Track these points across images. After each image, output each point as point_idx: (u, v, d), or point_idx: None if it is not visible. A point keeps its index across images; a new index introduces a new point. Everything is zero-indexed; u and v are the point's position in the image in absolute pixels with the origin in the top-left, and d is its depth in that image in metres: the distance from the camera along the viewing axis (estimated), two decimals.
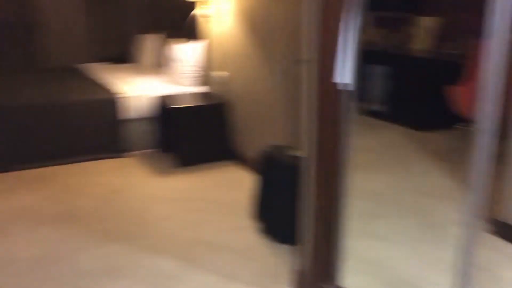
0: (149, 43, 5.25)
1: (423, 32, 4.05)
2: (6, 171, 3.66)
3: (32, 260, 2.48)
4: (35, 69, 6.02)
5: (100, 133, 4.00)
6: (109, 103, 3.98)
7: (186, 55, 4.36)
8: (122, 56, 6.17)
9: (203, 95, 4.20)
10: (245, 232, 2.82)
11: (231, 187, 3.48)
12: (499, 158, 2.07)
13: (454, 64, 3.28)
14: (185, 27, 4.38)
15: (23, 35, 6.27)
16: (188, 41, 4.52)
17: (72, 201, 3.20)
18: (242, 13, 3.65)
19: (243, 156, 3.87)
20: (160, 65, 5.30)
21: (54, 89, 4.20)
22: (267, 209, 2.75)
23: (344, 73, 1.80)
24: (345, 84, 1.82)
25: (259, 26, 3.47)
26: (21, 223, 2.89)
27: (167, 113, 3.98)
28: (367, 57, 1.90)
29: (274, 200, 2.69)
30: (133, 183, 3.52)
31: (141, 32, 5.94)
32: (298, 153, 2.56)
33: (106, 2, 7.17)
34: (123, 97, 4.05)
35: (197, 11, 4.11)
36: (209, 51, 4.23)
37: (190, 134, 3.84)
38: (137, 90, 4.17)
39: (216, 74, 4.13)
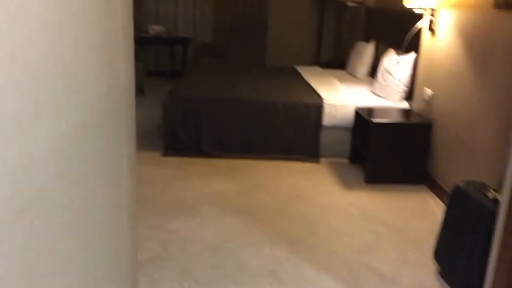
0: (366, 51, 5.18)
1: None
2: (210, 156, 4.05)
3: (207, 244, 2.69)
4: (261, 67, 6.49)
5: (301, 135, 4.12)
6: (315, 108, 4.06)
7: (397, 68, 4.16)
8: (340, 61, 6.25)
9: (406, 111, 3.96)
10: (421, 269, 2.56)
11: (417, 215, 3.20)
12: None
13: None
14: (405, 39, 4.17)
15: (256, 35, 6.84)
16: (403, 53, 4.31)
17: (259, 196, 3.37)
18: (459, 28, 3.30)
19: (439, 183, 3.52)
20: (372, 75, 5.20)
21: (270, 88, 4.46)
22: (450, 250, 2.44)
23: None
24: None
25: (477, 44, 3.08)
26: (211, 207, 3.16)
27: (364, 125, 3.87)
28: None
29: (459, 242, 2.36)
30: (318, 190, 3.52)
31: (362, 39, 5.91)
32: (498, 196, 2.20)
33: (333, 8, 7.34)
34: (329, 104, 4.08)
35: (422, 23, 3.86)
36: (419, 65, 3.95)
37: (384, 150, 3.65)
38: (343, 98, 4.16)
39: (422, 91, 3.84)
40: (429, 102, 3.74)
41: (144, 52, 7.18)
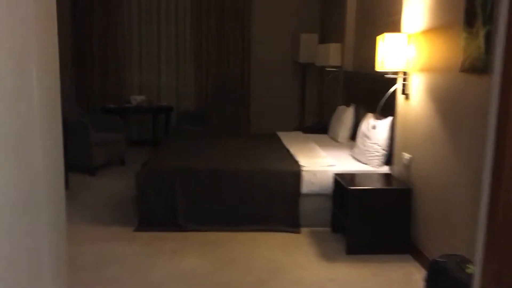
0: (346, 114, 5.14)
1: None
2: (183, 230, 3.86)
3: None
4: (243, 134, 6.43)
5: (279, 204, 3.96)
6: (292, 175, 3.94)
7: (374, 132, 4.09)
8: (324, 125, 6.20)
9: (386, 176, 3.84)
10: None
11: None
12: None
13: None
14: (380, 103, 4.13)
15: (238, 102, 6.83)
16: (381, 117, 4.25)
17: (233, 273, 3.16)
18: (430, 91, 3.25)
19: (423, 252, 3.33)
20: (354, 139, 5.13)
21: (247, 156, 4.35)
22: None
23: None
24: None
25: (448, 107, 3.01)
26: None
27: (343, 192, 3.73)
28: None
29: None
30: (296, 264, 3.32)
31: (342, 103, 5.91)
32: (471, 270, 2.03)
33: (314, 73, 7.42)
34: (307, 170, 3.96)
35: (395, 87, 3.83)
36: (396, 129, 3.88)
37: (364, 219, 3.49)
38: (322, 163, 4.05)
39: (400, 155, 3.74)
40: (407, 166, 3.63)
41: (127, 122, 7.15)
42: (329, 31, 6.79)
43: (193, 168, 3.95)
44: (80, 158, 5.53)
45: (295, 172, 3.96)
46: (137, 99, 6.77)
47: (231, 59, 7.23)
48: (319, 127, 6.29)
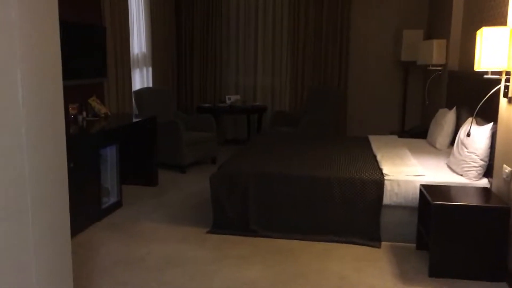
0: (446, 118, 4.64)
1: None
2: (254, 235, 3.74)
3: None
4: (334, 137, 6.17)
5: (358, 215, 3.67)
6: (373, 184, 3.62)
7: (471, 140, 3.60)
8: (426, 130, 5.71)
9: (482, 192, 3.35)
10: None
11: None
12: None
13: None
14: (479, 107, 3.63)
15: (334, 104, 6.56)
16: (479, 123, 3.75)
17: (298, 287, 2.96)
18: None
19: None
20: (450, 146, 4.62)
21: (328, 161, 4.10)
22: None
23: None
24: None
25: None
26: None
27: (427, 207, 3.33)
28: None
29: None
30: (370, 284, 3.02)
31: (444, 106, 5.36)
32: None
33: (418, 72, 6.87)
34: (390, 179, 3.62)
35: (498, 89, 3.33)
36: (497, 137, 3.37)
37: (451, 238, 3.07)
38: (408, 172, 3.67)
39: (501, 167, 3.23)
40: (507, 181, 3.13)
41: (221, 121, 7.24)
42: (435, 26, 6.21)
43: (267, 173, 3.81)
44: (172, 156, 5.69)
45: (376, 181, 3.63)
46: (232, 98, 6.81)
47: (328, 59, 6.96)
48: (419, 131, 5.78)
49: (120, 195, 4.37)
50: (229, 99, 6.82)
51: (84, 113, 4.54)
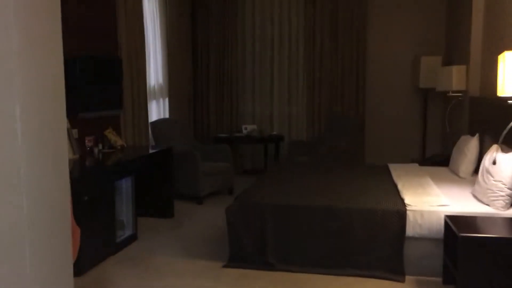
0: (469, 145, 4.50)
1: None
2: (270, 269, 3.61)
3: None
4: (353, 165, 6.06)
5: (380, 247, 3.52)
6: (394, 215, 3.49)
7: (496, 167, 3.46)
8: (447, 157, 5.56)
9: (510, 222, 3.19)
10: None
11: None
12: None
13: None
14: (504, 132, 3.50)
15: (352, 131, 6.47)
16: (504, 149, 3.61)
17: None
18: None
19: None
20: (477, 173, 4.46)
21: (348, 191, 3.99)
22: None
23: None
24: None
25: None
26: None
27: (454, 238, 3.18)
28: None
29: None
30: None
31: (466, 132, 5.22)
32: None
33: (438, 99, 6.76)
34: (412, 210, 3.49)
35: None
36: None
37: (480, 273, 2.90)
38: (432, 202, 3.53)
39: None
40: None
41: (238, 151, 7.18)
42: (454, 52, 6.13)
43: (285, 204, 3.71)
44: (189, 187, 5.63)
45: (398, 212, 3.49)
46: (248, 128, 6.77)
47: (345, 86, 6.90)
48: (440, 159, 5.64)
49: (136, 228, 4.30)
50: (246, 128, 6.78)
51: (100, 145, 4.53)
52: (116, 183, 4.10)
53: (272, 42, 7.19)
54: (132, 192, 4.25)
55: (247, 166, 7.41)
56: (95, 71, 4.46)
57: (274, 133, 7.02)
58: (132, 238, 4.25)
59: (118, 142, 4.69)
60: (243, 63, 7.28)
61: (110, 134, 4.66)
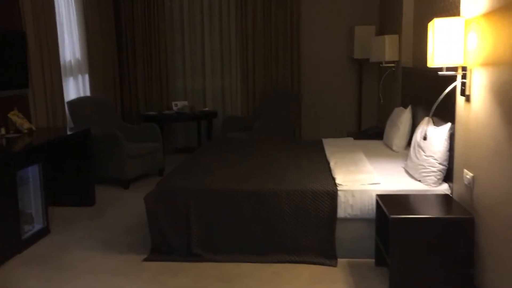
0: (402, 118, 4.36)
1: None
2: (196, 260, 3.34)
3: None
4: (289, 141, 5.85)
5: (311, 231, 3.32)
6: (325, 196, 3.28)
7: (428, 142, 3.31)
8: (379, 130, 5.45)
9: (442, 200, 3.06)
10: None
11: None
12: None
13: None
14: (434, 106, 3.34)
15: (288, 106, 6.23)
16: (435, 123, 3.47)
17: None
18: (497, 92, 2.45)
19: None
20: (407, 147, 4.35)
21: (277, 172, 3.74)
22: None
23: None
24: None
25: None
26: None
27: (385, 220, 3.02)
28: None
29: None
30: None
31: (399, 104, 5.10)
32: None
33: (373, 70, 6.64)
34: (343, 190, 3.29)
35: (454, 86, 3.04)
36: (456, 139, 3.09)
37: (411, 254, 2.76)
38: (363, 180, 3.34)
39: (461, 172, 2.95)
40: (469, 188, 2.84)
41: (169, 129, 6.79)
42: (387, 22, 5.98)
43: (210, 189, 3.41)
44: (113, 171, 5.22)
45: (329, 192, 3.29)
46: (178, 105, 6.39)
47: (279, 59, 6.62)
48: (375, 131, 5.53)
49: (47, 221, 3.88)
50: (176, 105, 6.39)
51: (3, 130, 4.02)
52: (20, 172, 3.65)
53: (201, 12, 6.76)
54: (41, 181, 3.82)
55: (180, 144, 7.04)
56: None
57: (207, 109, 6.67)
58: (43, 232, 3.83)
59: (25, 125, 4.20)
60: (172, 36, 6.82)
61: (15, 117, 4.15)
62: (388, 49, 5.14)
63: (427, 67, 4.02)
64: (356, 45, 6.12)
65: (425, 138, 3.13)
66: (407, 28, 4.93)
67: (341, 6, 6.58)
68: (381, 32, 6.26)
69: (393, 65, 5.38)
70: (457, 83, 2.99)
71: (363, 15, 6.53)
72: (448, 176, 3.25)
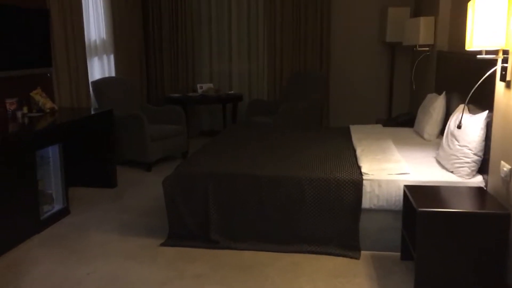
0: (435, 105, 4.13)
1: None
2: (215, 247, 3.24)
3: None
4: (315, 127, 5.70)
5: (334, 221, 3.17)
6: (350, 185, 3.11)
7: (462, 131, 3.10)
8: (410, 117, 5.21)
9: (475, 192, 2.85)
10: None
11: None
12: None
13: None
14: (471, 92, 3.12)
15: (316, 91, 6.04)
16: (472, 111, 3.25)
17: None
18: None
19: None
20: (439, 136, 4.12)
21: (301, 158, 3.59)
22: None
23: None
24: None
25: None
26: None
27: (412, 212, 2.85)
28: None
29: None
30: None
31: (433, 90, 4.85)
32: None
33: (405, 54, 6.35)
34: (369, 179, 3.12)
35: (493, 71, 2.81)
36: (493, 128, 2.87)
37: (439, 248, 2.58)
38: (391, 170, 3.17)
39: (497, 164, 2.74)
40: (506, 181, 2.64)
41: (194, 112, 6.69)
42: (423, 2, 5.68)
43: (229, 173, 3.30)
44: (136, 153, 5.17)
45: (354, 182, 3.13)
46: (204, 87, 6.28)
47: (308, 42, 6.41)
48: (406, 119, 5.27)
49: (67, 201, 3.85)
50: (201, 88, 6.29)
51: (25, 109, 4.00)
52: (41, 152, 3.61)
53: None
54: (61, 161, 3.78)
55: (205, 127, 6.96)
56: (14, 23, 3.87)
57: (232, 92, 6.54)
58: (63, 213, 3.81)
59: (48, 104, 4.16)
60: (199, 17, 6.68)
61: (38, 96, 4.12)
62: (423, 32, 4.87)
63: (464, 50, 3.77)
64: (389, 28, 5.85)
65: (459, 127, 2.92)
66: (445, 9, 4.65)
67: None
68: (416, 14, 5.97)
69: (427, 48, 5.11)
70: (497, 68, 2.76)
71: None
72: (482, 167, 3.04)
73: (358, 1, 6.36)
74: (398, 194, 3.08)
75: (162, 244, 3.32)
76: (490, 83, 2.92)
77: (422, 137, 4.23)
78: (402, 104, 6.46)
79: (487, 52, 2.73)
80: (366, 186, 3.12)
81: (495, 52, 2.76)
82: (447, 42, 4.71)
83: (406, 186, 2.94)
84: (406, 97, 6.46)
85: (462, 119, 3.13)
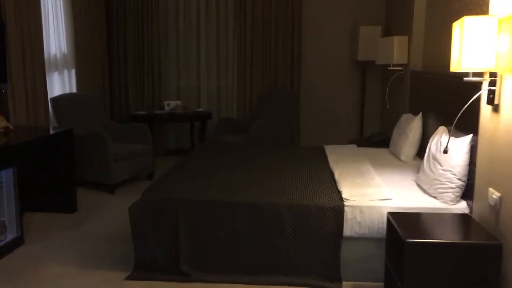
0: (411, 126, 4.04)
1: None
2: (184, 280, 2.99)
3: None
4: (287, 146, 5.54)
5: (314, 250, 2.98)
6: (331, 211, 2.94)
7: (449, 155, 2.99)
8: (386, 137, 5.11)
9: (462, 220, 2.72)
10: None
11: None
12: None
13: None
14: (457, 117, 3.01)
15: (286, 108, 5.90)
16: (455, 134, 3.15)
17: None
18: None
19: None
20: (421, 157, 4.02)
21: (276, 182, 3.40)
22: None
23: None
24: None
25: None
26: None
27: (398, 241, 2.69)
28: None
29: None
30: None
31: (408, 111, 4.78)
32: None
33: (377, 73, 6.31)
34: (351, 206, 2.96)
35: (482, 95, 2.70)
36: (479, 153, 2.76)
37: (429, 281, 2.42)
38: (373, 195, 3.01)
39: (484, 190, 2.63)
40: (495, 209, 2.52)
41: (160, 131, 6.42)
42: (395, 22, 5.65)
43: (201, 200, 3.06)
44: (98, 174, 4.86)
45: (335, 208, 2.96)
46: (171, 104, 6.03)
47: (278, 59, 6.28)
48: (379, 138, 5.20)
49: (21, 229, 3.51)
50: (168, 105, 6.04)
51: None
52: None
53: (198, 6, 6.41)
54: (15, 185, 3.45)
55: (171, 146, 6.68)
56: None
57: (201, 109, 6.32)
58: (17, 242, 3.46)
59: (1, 123, 3.83)
60: (166, 31, 6.46)
61: None
62: (396, 51, 4.81)
63: (440, 71, 3.69)
64: (360, 46, 5.80)
65: (445, 152, 2.80)
66: (418, 29, 4.60)
67: (345, 4, 6.25)
68: (387, 33, 5.94)
69: (401, 68, 5.06)
70: (483, 91, 2.66)
71: (368, 14, 6.20)
72: (466, 193, 2.93)
73: (329, 19, 6.29)
74: (381, 221, 2.93)
75: (128, 278, 3.04)
76: (473, 106, 2.82)
77: (398, 158, 4.13)
78: (373, 124, 6.40)
79: (474, 74, 2.63)
80: (348, 213, 2.96)
81: (480, 74, 2.66)
82: (421, 61, 4.66)
83: (390, 213, 2.78)
84: (377, 117, 6.40)
85: (448, 143, 3.01)
